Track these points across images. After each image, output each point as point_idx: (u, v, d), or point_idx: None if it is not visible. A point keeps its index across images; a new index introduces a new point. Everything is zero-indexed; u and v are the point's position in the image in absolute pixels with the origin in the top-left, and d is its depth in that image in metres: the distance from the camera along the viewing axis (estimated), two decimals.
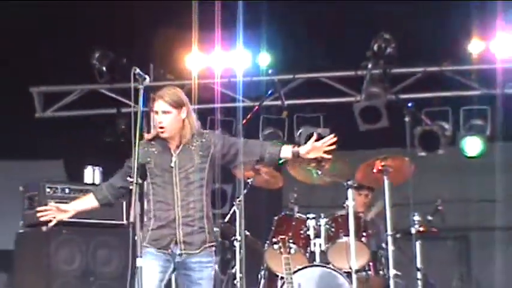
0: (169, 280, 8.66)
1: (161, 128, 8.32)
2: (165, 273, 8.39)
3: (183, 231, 8.36)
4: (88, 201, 8.69)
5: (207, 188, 8.49)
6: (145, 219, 8.51)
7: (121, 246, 11.53)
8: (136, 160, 8.17)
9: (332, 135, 8.49)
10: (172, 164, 8.39)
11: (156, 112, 8.35)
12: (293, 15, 13.37)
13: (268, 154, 8.58)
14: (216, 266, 11.97)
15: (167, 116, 8.31)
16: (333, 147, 8.50)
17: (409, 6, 12.83)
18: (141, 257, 7.95)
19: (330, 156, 8.70)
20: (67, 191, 12.06)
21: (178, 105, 8.37)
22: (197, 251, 8.38)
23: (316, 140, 8.41)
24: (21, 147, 13.95)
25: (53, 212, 8.60)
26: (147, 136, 8.46)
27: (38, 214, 8.66)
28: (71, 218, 11.35)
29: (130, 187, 8.16)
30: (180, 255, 8.35)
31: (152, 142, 8.44)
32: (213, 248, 8.58)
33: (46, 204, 11.38)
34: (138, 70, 8.21)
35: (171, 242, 8.34)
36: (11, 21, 13.55)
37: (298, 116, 14.11)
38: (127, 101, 13.03)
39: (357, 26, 13.63)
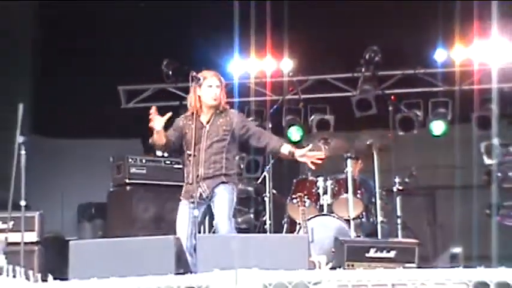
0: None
1: (215, 98, 8.64)
2: (199, 216, 8.58)
3: (206, 184, 8.57)
4: (164, 136, 8.68)
5: (227, 153, 8.67)
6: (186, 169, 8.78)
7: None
8: (194, 138, 8.56)
9: (322, 153, 9.01)
10: (204, 135, 8.64)
11: (210, 86, 8.62)
12: (308, 31, 13.43)
13: (270, 149, 8.90)
14: (252, 215, 12.37)
15: (218, 89, 8.62)
16: (319, 161, 8.85)
17: (391, 23, 13.08)
18: (196, 208, 8.36)
19: (313, 167, 8.98)
20: (144, 161, 12.14)
21: (222, 84, 8.75)
22: (220, 191, 8.61)
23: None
24: (111, 130, 14.22)
25: (156, 118, 8.62)
26: (187, 113, 8.78)
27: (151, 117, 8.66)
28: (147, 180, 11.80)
29: (190, 158, 8.60)
30: (208, 197, 8.62)
31: (189, 117, 8.67)
32: (233, 188, 8.73)
33: (129, 170, 11.86)
34: (194, 73, 8.70)
35: (201, 188, 8.56)
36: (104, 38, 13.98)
37: (311, 107, 14.17)
38: (187, 96, 13.02)
39: (354, 38, 13.68)
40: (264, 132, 9.23)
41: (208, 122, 8.70)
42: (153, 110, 8.65)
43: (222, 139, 8.69)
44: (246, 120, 9.21)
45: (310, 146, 8.89)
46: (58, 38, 14.51)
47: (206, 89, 8.67)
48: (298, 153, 8.82)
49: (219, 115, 8.75)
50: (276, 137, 9.20)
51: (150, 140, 8.90)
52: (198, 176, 8.56)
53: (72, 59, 14.27)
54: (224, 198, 8.65)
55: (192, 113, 8.65)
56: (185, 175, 8.78)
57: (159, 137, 8.67)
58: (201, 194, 8.58)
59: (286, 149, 8.83)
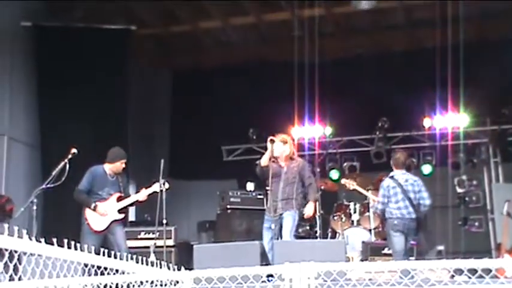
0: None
1: (278, 155, 8.64)
2: (276, 227, 8.42)
3: (282, 203, 8.49)
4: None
5: (296, 185, 8.60)
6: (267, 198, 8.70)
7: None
8: (271, 178, 8.54)
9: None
10: (283, 173, 8.60)
11: (277, 147, 8.64)
12: (342, 107, 13.31)
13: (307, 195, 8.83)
14: (308, 227, 12.20)
15: (283, 148, 8.69)
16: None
17: (395, 101, 12.86)
18: (273, 222, 8.43)
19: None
20: (238, 193, 12.05)
21: (289, 143, 8.78)
22: (288, 211, 8.48)
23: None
24: (218, 174, 14.12)
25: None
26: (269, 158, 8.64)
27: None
28: (241, 206, 11.71)
29: (267, 188, 8.63)
30: (281, 214, 8.49)
31: (273, 161, 8.60)
32: (296, 210, 8.56)
33: (229, 200, 11.82)
34: (271, 138, 8.72)
35: (277, 209, 8.46)
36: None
37: (344, 157, 14.02)
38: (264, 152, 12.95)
39: (371, 112, 13.67)
40: (310, 185, 8.95)
41: (285, 166, 8.67)
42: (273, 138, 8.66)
43: (294, 177, 8.66)
44: (307, 172, 8.98)
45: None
46: (184, 117, 14.77)
47: (278, 149, 8.70)
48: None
49: (291, 161, 8.73)
50: (313, 193, 9.04)
51: (258, 161, 8.81)
52: (277, 197, 8.50)
53: (192, 129, 14.46)
54: (290, 219, 8.57)
55: (271, 159, 8.61)
56: (268, 200, 8.72)
57: (267, 157, 8.58)
58: (276, 211, 8.52)
59: (309, 204, 8.81)
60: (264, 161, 8.67)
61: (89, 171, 8.61)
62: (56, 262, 3.74)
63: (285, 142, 8.80)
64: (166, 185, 8.75)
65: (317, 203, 11.88)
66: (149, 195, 8.72)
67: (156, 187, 8.72)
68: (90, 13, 12.49)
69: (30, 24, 12.00)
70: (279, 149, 8.71)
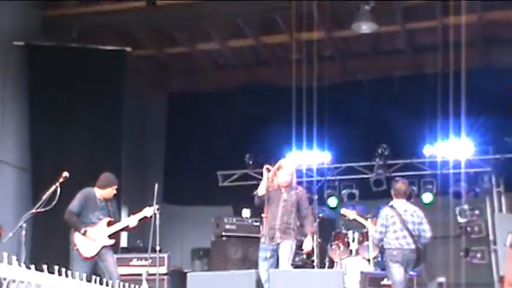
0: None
1: (286, 181, 8.42)
2: (273, 256, 8.28)
3: (279, 232, 8.31)
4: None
5: (294, 214, 8.44)
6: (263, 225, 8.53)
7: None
8: (267, 202, 8.45)
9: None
10: (281, 199, 8.42)
11: (284, 173, 8.45)
12: (341, 133, 13.29)
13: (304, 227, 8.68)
14: (304, 256, 12.09)
15: (290, 175, 8.49)
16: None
17: (395, 128, 12.96)
18: (269, 250, 8.30)
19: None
20: (234, 220, 12.01)
21: (293, 170, 8.60)
22: (285, 240, 8.32)
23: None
24: (212, 200, 14.07)
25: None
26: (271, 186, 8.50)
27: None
28: (237, 233, 11.69)
29: (262, 215, 8.50)
30: (278, 244, 8.30)
31: (270, 188, 8.42)
32: (294, 240, 8.41)
33: (225, 227, 11.79)
34: (267, 166, 8.61)
35: (274, 237, 8.29)
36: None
37: (343, 184, 13.92)
38: (261, 178, 12.84)
39: (370, 138, 13.65)
40: (307, 216, 8.81)
41: (285, 192, 8.54)
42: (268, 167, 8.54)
43: (292, 205, 8.55)
44: (306, 202, 8.83)
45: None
46: (179, 141, 14.77)
47: (282, 175, 8.61)
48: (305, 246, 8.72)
49: (291, 189, 8.65)
50: (310, 225, 8.96)
51: (255, 192, 8.60)
52: (275, 225, 8.41)
53: (187, 153, 14.46)
54: (287, 248, 8.42)
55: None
56: (264, 226, 8.61)
57: (264, 187, 8.44)
58: (273, 239, 8.46)
59: (307, 238, 8.69)
60: (261, 191, 8.59)
61: (81, 193, 8.57)
62: None
63: (291, 170, 8.70)
64: (156, 206, 8.71)
65: (314, 233, 11.90)
66: (140, 220, 8.67)
67: (146, 211, 8.68)
68: (86, 34, 12.51)
69: (22, 43, 11.97)
70: (285, 177, 8.57)
